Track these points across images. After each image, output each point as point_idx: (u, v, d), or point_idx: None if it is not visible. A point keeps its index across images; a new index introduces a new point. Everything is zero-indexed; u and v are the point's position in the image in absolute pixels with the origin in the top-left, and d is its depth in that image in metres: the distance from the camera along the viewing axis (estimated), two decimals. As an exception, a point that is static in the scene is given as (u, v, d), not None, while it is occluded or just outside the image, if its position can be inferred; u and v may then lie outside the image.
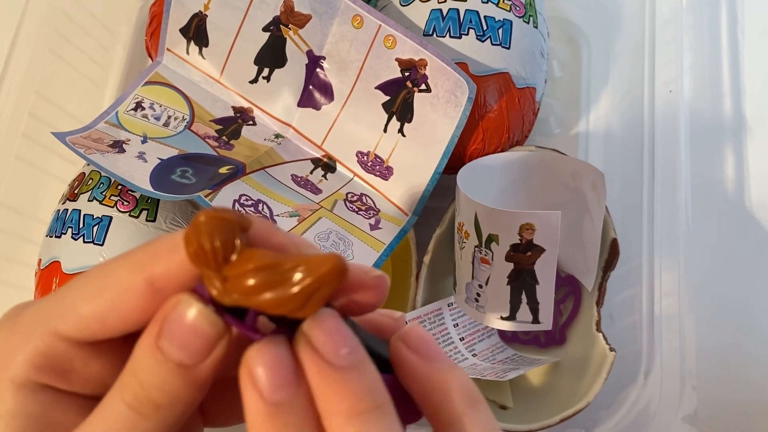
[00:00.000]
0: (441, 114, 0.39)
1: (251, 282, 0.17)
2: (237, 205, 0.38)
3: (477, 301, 0.39)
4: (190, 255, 0.17)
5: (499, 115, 0.41)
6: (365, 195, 0.42)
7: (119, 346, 0.20)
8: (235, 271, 0.17)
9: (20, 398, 0.20)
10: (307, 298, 0.17)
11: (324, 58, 0.42)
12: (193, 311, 0.18)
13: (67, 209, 0.39)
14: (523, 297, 0.37)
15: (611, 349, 0.38)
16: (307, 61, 0.42)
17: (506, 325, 0.38)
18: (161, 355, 0.18)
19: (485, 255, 0.37)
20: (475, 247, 0.38)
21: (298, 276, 0.17)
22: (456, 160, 0.41)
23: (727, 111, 0.48)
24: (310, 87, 0.43)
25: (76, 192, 0.40)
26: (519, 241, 0.36)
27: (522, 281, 0.37)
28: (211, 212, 0.17)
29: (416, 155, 0.41)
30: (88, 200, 0.39)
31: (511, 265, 0.36)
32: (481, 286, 0.38)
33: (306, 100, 0.43)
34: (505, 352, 0.42)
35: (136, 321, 0.19)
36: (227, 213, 0.18)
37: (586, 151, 0.48)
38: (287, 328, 0.18)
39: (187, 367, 0.18)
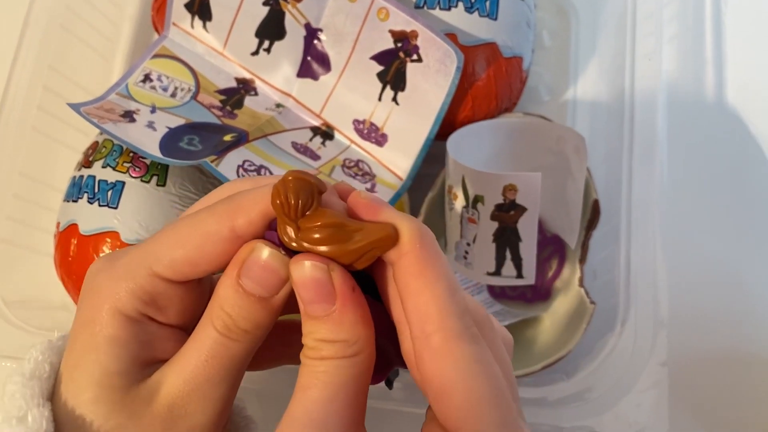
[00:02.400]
0: (432, 83, 0.42)
1: (319, 235, 0.21)
2: (241, 170, 0.40)
3: (465, 258, 0.41)
4: (275, 205, 0.21)
5: (487, 84, 0.43)
6: (361, 161, 0.45)
7: (204, 284, 0.25)
8: (308, 223, 0.21)
9: (129, 328, 0.23)
10: (360, 255, 0.21)
11: (321, 31, 0.44)
12: (266, 253, 0.22)
13: (83, 175, 0.42)
14: (508, 254, 0.40)
15: (591, 302, 0.41)
16: (305, 34, 0.44)
17: (492, 281, 0.41)
18: (243, 291, 0.22)
19: (472, 215, 0.40)
20: (463, 207, 0.40)
21: (357, 237, 0.21)
22: (447, 126, 0.43)
23: (708, 79, 0.50)
24: (309, 58, 0.45)
25: (90, 159, 0.42)
26: (503, 202, 0.38)
27: (506, 239, 0.39)
28: (298, 173, 0.21)
29: (409, 123, 0.43)
30: (102, 167, 0.41)
31: (495, 224, 0.39)
32: (469, 245, 0.41)
33: (305, 71, 0.45)
34: (493, 307, 0.45)
35: (221, 263, 0.23)
36: (310, 177, 0.22)
37: (574, 118, 0.50)
38: None
39: (265, 299, 0.22)
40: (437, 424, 0.21)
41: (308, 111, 0.46)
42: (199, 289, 0.25)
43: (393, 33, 0.42)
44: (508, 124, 0.43)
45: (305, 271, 0.21)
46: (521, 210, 0.38)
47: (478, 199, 0.39)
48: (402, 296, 0.21)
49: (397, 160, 0.44)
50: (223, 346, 0.23)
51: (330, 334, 0.21)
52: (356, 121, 0.45)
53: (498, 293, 0.46)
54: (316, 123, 0.46)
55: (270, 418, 0.33)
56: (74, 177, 0.43)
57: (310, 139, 0.45)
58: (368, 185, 0.44)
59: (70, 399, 0.23)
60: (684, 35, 0.50)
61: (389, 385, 0.26)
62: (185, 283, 0.24)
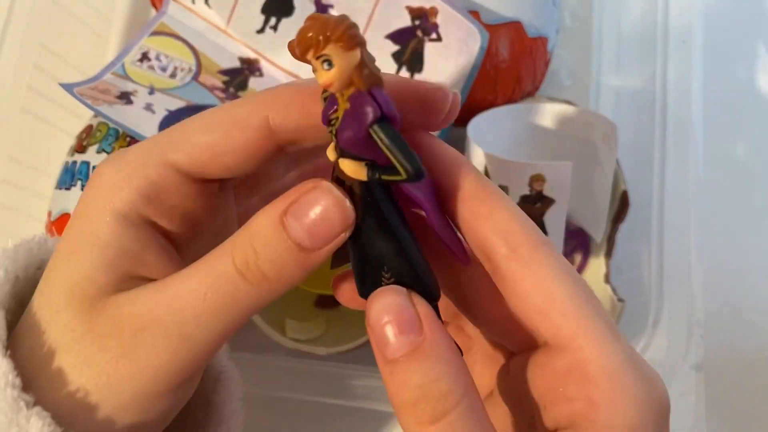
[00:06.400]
0: (452, 64, 0.39)
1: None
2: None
3: (486, 252, 0.39)
4: (298, 41, 0.18)
5: (511, 66, 0.40)
6: (374, 147, 0.42)
7: (219, 194, 0.22)
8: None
9: (119, 231, 0.20)
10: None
11: (332, 6, 0.41)
12: (330, 198, 0.18)
13: (76, 161, 0.39)
14: (533, 248, 0.37)
15: (620, 300, 0.39)
16: (314, 10, 0.41)
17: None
18: (283, 231, 0.19)
19: (495, 206, 0.37)
20: (486, 198, 0.38)
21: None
22: (466, 111, 0.40)
23: (742, 62, 0.47)
24: (319, 37, 0.42)
25: (84, 144, 0.39)
26: (529, 193, 0.36)
27: (532, 232, 0.37)
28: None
29: (426, 107, 0.40)
30: (97, 152, 0.39)
31: (521, 217, 0.37)
32: (490, 238, 0.38)
33: (314, 51, 0.42)
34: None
35: (246, 159, 0.20)
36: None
37: (597, 103, 0.47)
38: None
39: (305, 250, 0.19)
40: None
41: (317, 93, 0.43)
42: (216, 202, 0.21)
43: (410, 10, 0.39)
44: (532, 109, 0.41)
45: (388, 298, 0.19)
46: (549, 202, 0.36)
47: (502, 189, 0.36)
48: (471, 224, 0.20)
49: (412, 147, 0.41)
50: (232, 284, 0.19)
51: (423, 373, 0.18)
52: (369, 105, 0.42)
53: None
54: (325, 106, 0.43)
55: None
56: (67, 163, 0.40)
57: (320, 124, 0.42)
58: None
59: (37, 303, 0.20)
60: (721, 15, 0.48)
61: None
62: (201, 184, 0.21)
